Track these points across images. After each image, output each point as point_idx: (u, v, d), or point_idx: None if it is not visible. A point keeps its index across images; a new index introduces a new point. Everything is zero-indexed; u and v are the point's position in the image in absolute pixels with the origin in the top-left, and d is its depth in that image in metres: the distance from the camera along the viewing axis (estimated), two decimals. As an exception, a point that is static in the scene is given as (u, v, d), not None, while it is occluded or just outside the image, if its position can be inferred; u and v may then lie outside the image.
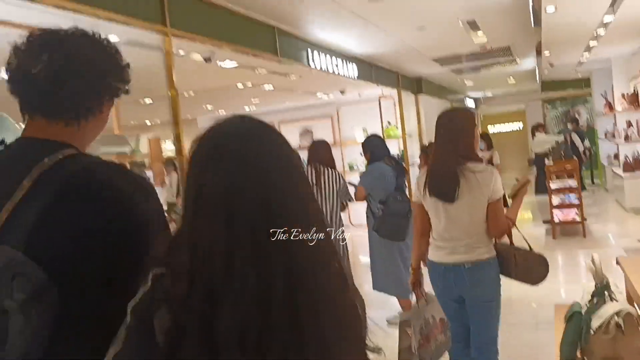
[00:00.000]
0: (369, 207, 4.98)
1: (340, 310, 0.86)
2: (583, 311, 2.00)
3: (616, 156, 11.68)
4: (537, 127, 13.33)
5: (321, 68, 6.17)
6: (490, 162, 6.50)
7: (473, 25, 6.35)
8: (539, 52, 9.10)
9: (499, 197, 2.74)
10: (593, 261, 2.06)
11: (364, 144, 5.10)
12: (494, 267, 2.79)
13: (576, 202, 8.08)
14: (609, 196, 11.43)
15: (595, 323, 1.91)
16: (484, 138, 8.51)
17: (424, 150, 4.10)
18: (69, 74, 1.14)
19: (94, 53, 1.19)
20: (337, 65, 6.62)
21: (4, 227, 1.03)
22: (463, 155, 2.75)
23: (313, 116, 10.98)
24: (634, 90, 9.82)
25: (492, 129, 20.86)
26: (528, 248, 2.87)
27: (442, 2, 5.18)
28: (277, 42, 5.12)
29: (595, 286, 2.03)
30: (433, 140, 2.96)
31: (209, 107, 9.63)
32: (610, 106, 12.28)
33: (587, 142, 12.27)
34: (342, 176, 4.74)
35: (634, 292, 2.52)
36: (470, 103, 18.09)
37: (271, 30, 5.09)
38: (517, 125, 20.34)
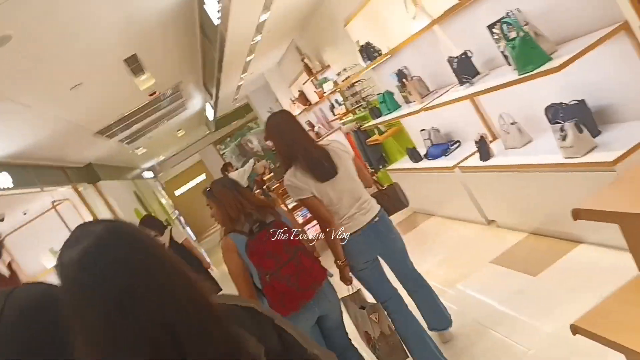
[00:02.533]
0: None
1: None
2: None
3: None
4: (226, 168, 12.86)
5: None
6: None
7: (135, 66, 5.08)
8: (205, 85, 8.36)
9: (353, 154, 3.11)
10: None
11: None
12: (386, 212, 3.17)
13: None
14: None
15: None
16: (149, 223, 5.55)
17: (210, 193, 2.88)
18: None
19: None
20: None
21: None
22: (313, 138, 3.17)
23: (-27, 268, 8.08)
24: (299, 91, 9.98)
25: (179, 192, 19.96)
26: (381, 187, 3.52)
27: (94, 38, 3.75)
28: None
29: None
30: (275, 140, 2.95)
31: None
32: (281, 118, 12.56)
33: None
34: None
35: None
36: (148, 175, 16.72)
37: None
38: (200, 178, 19.85)
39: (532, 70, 3.02)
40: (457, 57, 4.07)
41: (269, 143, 3.20)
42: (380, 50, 5.33)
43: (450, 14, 3.79)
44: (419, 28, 4.13)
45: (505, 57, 3.70)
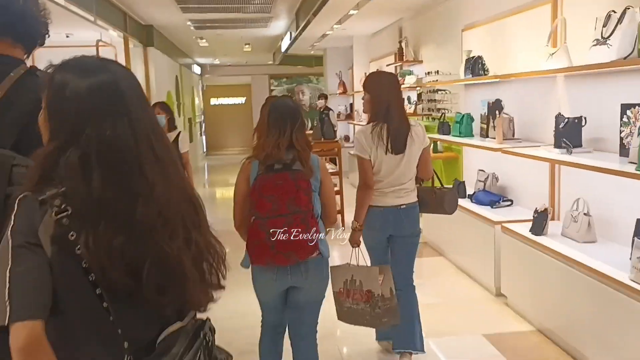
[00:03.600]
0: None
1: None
2: None
3: (347, 138, 11.47)
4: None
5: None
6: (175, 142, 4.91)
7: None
8: (297, 14, 7.91)
9: (428, 145, 3.20)
10: None
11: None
12: (418, 208, 3.24)
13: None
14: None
15: None
16: (165, 108, 5.24)
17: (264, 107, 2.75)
18: (35, 13, 1.63)
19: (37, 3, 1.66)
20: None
21: None
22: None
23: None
24: (377, 70, 9.49)
25: (215, 102, 19.60)
26: (438, 186, 3.37)
27: None
28: None
29: None
30: (379, 99, 3.05)
31: None
32: (344, 87, 12.09)
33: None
34: None
35: None
36: (196, 70, 16.36)
37: None
38: (240, 100, 19.45)
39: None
40: (568, 118, 3.60)
41: (365, 96, 3.13)
42: (488, 70, 4.84)
43: (593, 70, 3.30)
44: (550, 67, 3.64)
45: (623, 145, 3.23)
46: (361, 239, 3.15)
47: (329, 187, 2.60)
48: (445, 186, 3.44)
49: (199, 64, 16.58)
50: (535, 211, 3.77)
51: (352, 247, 3.09)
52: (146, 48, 8.49)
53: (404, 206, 3.12)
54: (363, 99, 3.18)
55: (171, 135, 4.99)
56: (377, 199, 3.09)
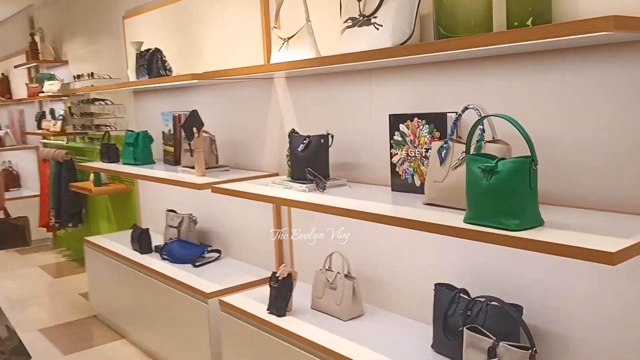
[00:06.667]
0: None
1: None
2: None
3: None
4: None
5: None
6: None
7: None
8: None
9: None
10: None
11: None
12: None
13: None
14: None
15: None
16: None
17: None
18: None
19: None
20: None
21: None
22: None
23: None
24: (2, 74, 7.01)
25: None
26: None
27: None
28: None
29: None
30: None
31: None
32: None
33: None
34: None
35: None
36: None
37: None
38: None
39: (495, 225, 1.52)
40: (308, 137, 2.44)
41: None
42: (171, 69, 3.39)
43: (361, 62, 2.18)
44: (285, 59, 2.38)
45: (396, 174, 2.21)
46: None
47: None
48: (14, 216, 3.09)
49: None
50: (274, 278, 2.49)
51: None
52: None
53: None
54: None
55: None
56: None
